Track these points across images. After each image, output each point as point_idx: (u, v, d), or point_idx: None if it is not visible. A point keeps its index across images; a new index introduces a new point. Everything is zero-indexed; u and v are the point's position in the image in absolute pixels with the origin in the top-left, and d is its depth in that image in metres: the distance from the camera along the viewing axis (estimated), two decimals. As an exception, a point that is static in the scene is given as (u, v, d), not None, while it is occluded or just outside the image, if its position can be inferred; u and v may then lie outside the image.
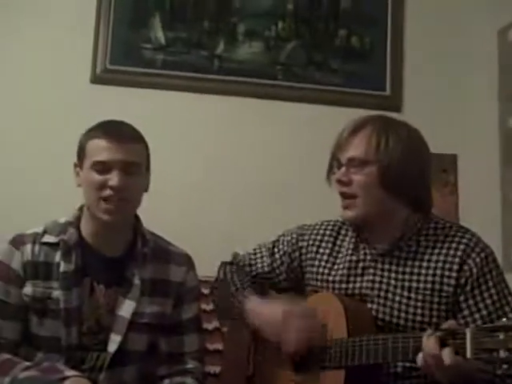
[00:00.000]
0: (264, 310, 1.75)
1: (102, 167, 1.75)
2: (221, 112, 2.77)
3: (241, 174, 2.76)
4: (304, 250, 1.89)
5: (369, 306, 1.74)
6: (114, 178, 1.73)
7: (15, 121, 2.67)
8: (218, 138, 2.76)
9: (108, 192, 1.74)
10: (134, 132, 1.82)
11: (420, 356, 1.47)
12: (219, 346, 2.27)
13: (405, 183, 1.71)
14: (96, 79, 2.73)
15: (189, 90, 2.76)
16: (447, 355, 1.41)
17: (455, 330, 1.44)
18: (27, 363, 1.72)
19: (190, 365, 1.86)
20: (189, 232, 2.52)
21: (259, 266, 1.93)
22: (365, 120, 1.77)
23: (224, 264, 1.99)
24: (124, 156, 1.75)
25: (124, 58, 2.75)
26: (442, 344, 1.43)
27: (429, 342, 1.44)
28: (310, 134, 2.77)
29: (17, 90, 2.70)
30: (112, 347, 1.77)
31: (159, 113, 2.72)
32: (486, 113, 2.78)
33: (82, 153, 1.80)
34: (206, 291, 2.29)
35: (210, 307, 2.29)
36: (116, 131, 1.78)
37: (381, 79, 2.86)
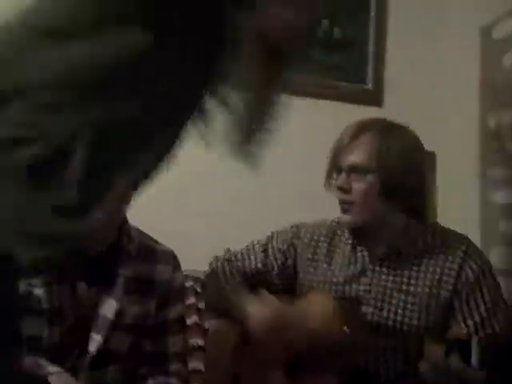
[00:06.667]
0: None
1: None
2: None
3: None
4: (299, 250, 1.87)
5: (364, 308, 1.74)
6: None
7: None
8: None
9: None
10: None
11: (424, 364, 1.48)
12: (198, 342, 2.24)
13: (404, 192, 1.73)
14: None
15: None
16: (453, 363, 1.42)
17: (461, 339, 1.46)
18: None
19: (174, 365, 1.83)
20: (174, 224, 2.45)
21: (252, 262, 1.91)
22: (365, 125, 1.76)
23: (216, 258, 1.96)
24: None
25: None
26: (446, 352, 1.44)
27: (434, 350, 1.46)
28: (288, 126, 2.72)
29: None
30: (93, 346, 1.73)
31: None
32: (466, 111, 2.77)
33: None
34: (187, 284, 2.26)
35: (190, 301, 2.26)
36: None
37: (363, 72, 2.83)
